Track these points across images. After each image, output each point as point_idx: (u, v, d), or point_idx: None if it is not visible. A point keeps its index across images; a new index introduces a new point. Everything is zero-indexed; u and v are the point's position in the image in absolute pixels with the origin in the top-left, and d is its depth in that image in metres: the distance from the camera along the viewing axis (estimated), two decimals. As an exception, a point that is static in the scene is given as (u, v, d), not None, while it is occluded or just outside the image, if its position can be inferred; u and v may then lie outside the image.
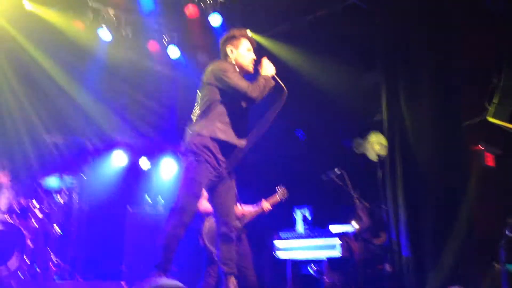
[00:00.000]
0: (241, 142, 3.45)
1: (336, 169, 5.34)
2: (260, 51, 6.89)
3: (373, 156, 5.87)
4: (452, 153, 5.41)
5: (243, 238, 5.02)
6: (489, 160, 5.11)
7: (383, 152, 5.81)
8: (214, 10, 6.60)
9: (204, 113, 3.45)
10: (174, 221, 3.26)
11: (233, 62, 3.59)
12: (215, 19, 6.65)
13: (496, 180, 5.03)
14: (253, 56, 3.61)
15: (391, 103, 5.93)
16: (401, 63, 5.93)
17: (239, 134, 3.45)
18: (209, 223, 4.80)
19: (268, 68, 3.49)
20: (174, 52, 7.13)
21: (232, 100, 3.43)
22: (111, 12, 6.53)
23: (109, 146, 6.71)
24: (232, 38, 3.63)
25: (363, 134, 6.19)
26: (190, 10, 6.62)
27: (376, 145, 5.81)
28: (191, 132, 3.44)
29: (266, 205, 5.17)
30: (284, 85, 3.49)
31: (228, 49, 3.62)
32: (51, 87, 6.38)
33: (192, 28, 6.92)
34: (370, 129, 6.18)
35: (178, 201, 3.31)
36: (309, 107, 6.96)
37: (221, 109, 3.43)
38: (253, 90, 3.34)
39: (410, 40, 5.84)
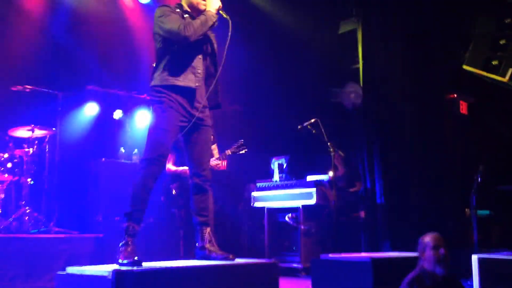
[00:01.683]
0: (198, 83, 3.37)
1: (312, 119, 5.32)
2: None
3: (348, 105, 5.87)
4: (427, 101, 5.43)
5: None
6: (463, 108, 5.16)
7: (358, 100, 5.81)
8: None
9: (157, 64, 3.40)
10: (143, 171, 3.24)
11: (186, 3, 3.48)
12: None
13: (468, 127, 5.10)
14: None
15: (367, 51, 5.87)
16: (376, 10, 5.84)
17: (194, 75, 3.37)
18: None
19: (212, 3, 3.37)
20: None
21: (174, 44, 3.31)
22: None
23: (81, 97, 6.56)
24: None
25: (339, 83, 6.16)
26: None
27: (351, 94, 5.80)
28: (150, 85, 3.41)
29: (216, 163, 5.05)
30: (229, 16, 3.39)
31: None
32: (17, 34, 6.13)
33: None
34: (346, 78, 6.15)
35: (146, 151, 3.29)
36: (285, 56, 6.88)
37: (169, 55, 3.34)
38: (186, 29, 3.23)
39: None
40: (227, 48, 3.36)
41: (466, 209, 4.53)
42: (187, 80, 3.34)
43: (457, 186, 5.11)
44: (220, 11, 3.40)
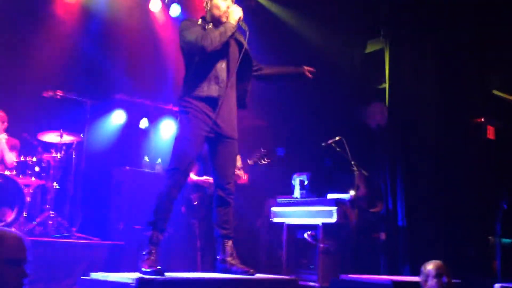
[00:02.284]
0: (221, 92, 3.40)
1: (336, 137, 5.31)
2: (261, 13, 6.84)
3: (373, 125, 5.85)
4: (454, 124, 5.38)
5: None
6: (490, 132, 5.10)
7: (383, 120, 5.79)
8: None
9: (185, 75, 3.48)
10: (167, 181, 3.28)
11: (209, 16, 3.54)
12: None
13: (495, 153, 5.03)
14: (227, 4, 3.48)
15: (394, 71, 5.87)
16: (405, 30, 5.84)
17: (218, 85, 3.40)
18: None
19: (233, 14, 3.41)
20: (175, 10, 7.01)
21: (196, 55, 3.37)
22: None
23: (109, 105, 6.68)
24: None
25: (365, 102, 6.15)
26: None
27: (376, 113, 5.78)
28: (179, 96, 3.49)
29: (239, 173, 4.98)
30: (247, 26, 3.45)
31: (204, 3, 3.59)
32: (50, 41, 6.29)
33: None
34: (372, 97, 6.14)
35: (171, 161, 3.34)
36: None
37: (193, 66, 3.41)
38: (203, 39, 3.28)
39: (415, 7, 5.72)
40: (241, 57, 3.44)
41: (490, 237, 4.44)
42: (210, 90, 3.39)
43: (481, 213, 5.02)
44: (240, 22, 3.44)
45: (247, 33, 3.46)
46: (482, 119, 5.63)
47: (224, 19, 3.46)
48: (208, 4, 3.55)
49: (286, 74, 4.04)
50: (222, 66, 3.45)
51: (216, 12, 3.50)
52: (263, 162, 5.13)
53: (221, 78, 3.43)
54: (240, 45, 3.55)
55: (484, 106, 5.44)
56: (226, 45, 3.42)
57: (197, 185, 5.25)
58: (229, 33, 3.37)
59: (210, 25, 3.47)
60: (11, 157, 5.21)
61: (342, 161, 5.38)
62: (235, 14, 3.41)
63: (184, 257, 5.34)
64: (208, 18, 3.56)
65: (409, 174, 5.53)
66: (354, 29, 6.44)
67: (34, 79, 5.93)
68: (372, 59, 6.36)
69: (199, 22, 3.51)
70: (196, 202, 5.29)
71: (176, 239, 5.54)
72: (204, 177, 5.13)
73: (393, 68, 5.91)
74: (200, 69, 3.40)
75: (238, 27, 3.46)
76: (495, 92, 4.65)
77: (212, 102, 3.39)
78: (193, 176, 5.26)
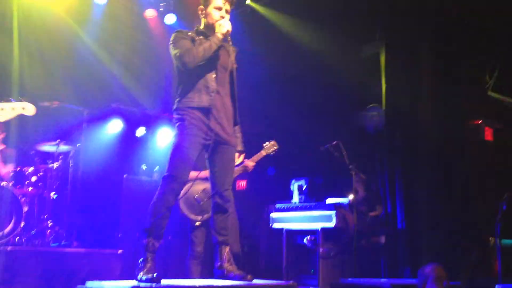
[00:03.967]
0: (213, 102, 3.39)
1: (333, 141, 5.30)
2: (256, 19, 6.85)
3: (371, 128, 5.84)
4: (451, 127, 5.37)
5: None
6: (488, 134, 5.09)
7: (380, 124, 5.78)
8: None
9: (177, 86, 3.48)
10: (164, 188, 3.28)
11: (203, 24, 3.55)
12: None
13: (493, 154, 5.02)
14: (221, 14, 3.48)
15: (390, 75, 5.87)
16: (400, 34, 5.84)
17: (209, 95, 3.39)
18: (185, 190, 4.65)
19: (220, 28, 3.40)
20: (170, 18, 7.03)
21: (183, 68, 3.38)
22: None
23: (105, 114, 6.68)
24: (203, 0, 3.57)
25: (362, 106, 6.15)
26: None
27: (374, 117, 5.78)
28: (172, 108, 3.50)
29: (249, 163, 4.80)
30: (232, 41, 3.46)
31: (199, 11, 3.58)
32: (47, 52, 6.30)
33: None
34: (369, 101, 6.13)
35: (168, 168, 3.33)
36: (307, 78, 6.90)
37: (184, 77, 3.43)
38: (186, 55, 3.30)
39: (410, 11, 5.73)
40: (235, 70, 3.49)
41: (491, 238, 4.42)
42: (201, 100, 3.39)
43: (481, 214, 5.00)
44: (227, 37, 3.42)
45: (235, 49, 3.52)
46: (480, 121, 5.63)
47: (215, 30, 3.45)
48: (203, 12, 3.55)
49: None
50: (212, 76, 3.45)
51: (210, 20, 3.50)
52: (272, 151, 4.94)
53: (212, 88, 3.42)
54: (227, 57, 3.54)
55: (481, 108, 5.44)
56: (215, 56, 3.42)
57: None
58: (214, 47, 3.37)
59: (201, 37, 3.46)
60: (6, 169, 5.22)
61: (339, 164, 5.36)
62: (223, 28, 3.40)
63: (181, 264, 5.30)
64: (202, 25, 3.57)
65: (407, 177, 5.52)
66: (349, 33, 6.44)
67: (31, 88, 5.92)
68: (368, 63, 6.36)
69: (190, 33, 3.51)
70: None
71: (173, 246, 5.52)
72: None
73: (389, 71, 5.91)
74: (190, 80, 3.41)
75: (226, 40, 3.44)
76: (491, 93, 4.64)
77: (207, 111, 3.39)
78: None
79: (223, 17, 3.48)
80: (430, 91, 5.57)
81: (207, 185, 4.47)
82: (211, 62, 3.42)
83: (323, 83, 6.79)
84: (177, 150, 3.35)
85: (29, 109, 3.01)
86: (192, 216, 4.53)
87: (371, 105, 6.10)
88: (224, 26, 3.40)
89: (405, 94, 5.72)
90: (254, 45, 6.61)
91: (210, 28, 3.49)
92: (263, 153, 4.90)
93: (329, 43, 6.47)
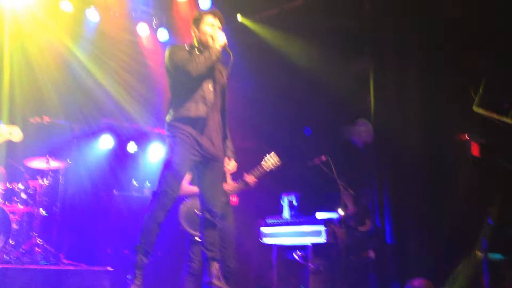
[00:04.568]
0: (209, 113, 3.47)
1: (322, 156, 5.34)
2: (248, 35, 6.93)
3: (359, 143, 5.89)
4: (438, 142, 5.44)
5: (228, 215, 4.75)
6: (474, 149, 5.15)
7: (369, 138, 5.84)
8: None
9: (171, 98, 3.56)
10: (154, 204, 3.30)
11: (196, 41, 3.65)
12: (205, 2, 6.62)
13: (480, 169, 5.07)
14: (214, 30, 3.58)
15: (378, 90, 5.93)
16: (389, 49, 5.93)
17: (205, 105, 3.47)
18: (186, 206, 4.67)
19: (218, 40, 3.51)
20: (162, 34, 7.09)
21: (184, 78, 3.45)
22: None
23: (96, 130, 6.69)
24: (194, 20, 3.68)
25: (351, 121, 6.21)
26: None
27: (362, 131, 5.84)
28: (165, 120, 3.55)
29: (250, 178, 4.81)
30: (231, 52, 3.55)
31: (192, 31, 3.69)
32: (38, 68, 6.32)
33: (182, 11, 6.87)
34: (357, 116, 6.19)
35: (158, 184, 3.36)
36: (297, 93, 6.95)
37: (180, 90, 3.50)
38: (189, 63, 3.39)
39: (399, 26, 5.83)
40: (226, 79, 3.60)
41: (477, 252, 4.46)
42: (198, 110, 3.46)
43: (468, 228, 5.05)
44: (225, 47, 3.53)
45: (232, 57, 3.54)
46: (467, 136, 5.69)
47: (210, 44, 3.54)
48: (196, 32, 3.64)
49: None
50: (209, 87, 3.53)
51: (203, 38, 3.60)
52: (275, 166, 4.92)
53: (208, 99, 3.50)
54: (218, 73, 3.63)
55: (468, 124, 5.51)
56: (212, 68, 3.51)
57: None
58: (214, 57, 3.46)
59: (195, 51, 3.55)
60: None
61: (329, 180, 5.40)
62: (220, 39, 3.50)
63: (172, 281, 5.29)
64: (195, 43, 3.65)
65: (396, 192, 5.55)
66: (339, 48, 6.52)
67: (21, 104, 5.93)
68: (357, 78, 6.43)
69: (186, 47, 3.59)
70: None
71: (164, 262, 5.50)
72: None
73: (378, 86, 5.98)
74: (188, 91, 3.47)
75: (223, 51, 3.54)
76: (476, 109, 4.71)
77: (200, 122, 3.44)
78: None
79: (215, 33, 3.57)
80: (418, 107, 5.63)
81: None
82: (208, 74, 3.51)
83: (312, 98, 6.85)
84: (168, 166, 3.38)
85: (16, 135, 3.02)
86: (192, 232, 4.53)
87: (359, 119, 6.16)
88: (220, 37, 3.51)
89: (393, 109, 5.77)
90: (244, 60, 6.68)
91: (204, 45, 3.58)
92: (264, 168, 4.88)
93: (318, 58, 6.54)
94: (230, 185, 4.88)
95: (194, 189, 4.88)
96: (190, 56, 3.45)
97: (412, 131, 5.61)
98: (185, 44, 3.66)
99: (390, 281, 5.33)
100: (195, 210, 4.55)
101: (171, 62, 3.48)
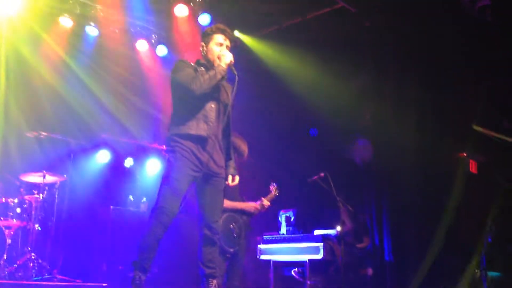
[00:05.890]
0: (210, 132, 3.45)
1: (321, 173, 5.33)
2: (248, 52, 6.96)
3: (358, 160, 5.89)
4: (437, 159, 5.44)
5: (243, 237, 4.89)
6: (472, 167, 5.15)
7: (368, 155, 5.83)
8: (204, 11, 6.61)
9: (173, 113, 3.55)
10: (153, 220, 3.26)
11: (204, 59, 3.64)
12: (204, 19, 6.65)
13: (478, 187, 5.07)
14: (222, 49, 3.57)
15: (378, 107, 5.95)
16: (389, 67, 5.96)
17: (207, 124, 3.46)
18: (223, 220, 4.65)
19: (224, 59, 3.50)
20: (161, 50, 7.11)
21: (187, 95, 3.43)
22: (98, 8, 6.49)
23: (93, 144, 6.65)
24: (204, 35, 3.68)
25: (350, 138, 6.21)
26: (180, 9, 6.60)
27: (361, 148, 5.84)
28: (166, 134, 3.53)
29: (266, 202, 5.11)
30: (236, 71, 3.53)
31: (201, 46, 3.68)
32: (35, 82, 6.31)
33: (181, 28, 6.89)
34: (357, 133, 6.20)
35: (157, 201, 3.32)
36: (296, 109, 6.97)
37: (184, 106, 3.48)
38: (193, 82, 3.37)
39: (399, 44, 5.87)
40: (233, 99, 3.56)
41: (476, 270, 4.43)
42: (199, 129, 3.43)
43: (467, 246, 5.03)
44: (231, 67, 3.52)
45: (237, 78, 3.53)
46: (465, 154, 5.70)
47: (217, 62, 3.53)
48: (204, 48, 3.64)
49: None
50: (211, 106, 3.51)
51: (210, 56, 3.59)
52: (277, 194, 5.21)
53: (210, 118, 3.48)
54: (224, 91, 3.61)
55: (466, 141, 5.52)
56: (216, 87, 3.49)
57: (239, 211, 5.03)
58: (219, 76, 3.44)
59: (202, 68, 3.54)
60: None
61: (327, 196, 5.38)
62: (226, 58, 3.49)
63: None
64: (202, 61, 3.65)
65: (394, 209, 5.54)
66: (337, 65, 6.55)
67: (17, 119, 5.90)
68: (355, 95, 6.45)
69: (193, 64, 3.59)
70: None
71: (160, 279, 5.43)
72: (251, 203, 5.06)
73: (377, 104, 5.99)
74: (190, 108, 3.46)
75: (229, 71, 3.52)
76: (475, 127, 4.73)
77: (201, 141, 3.42)
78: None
79: (223, 53, 3.54)
80: (417, 123, 5.65)
81: (241, 218, 4.72)
82: (212, 93, 3.49)
83: (311, 115, 6.85)
84: (167, 181, 3.35)
85: None
86: (226, 248, 4.52)
87: (358, 136, 6.16)
88: (227, 56, 3.50)
89: (392, 126, 5.79)
90: (240, 75, 6.69)
91: (210, 63, 3.57)
92: (274, 193, 5.22)
93: (316, 75, 6.57)
94: (251, 206, 5.03)
95: (237, 204, 4.95)
96: (195, 74, 3.44)
97: (410, 148, 5.61)
98: (194, 61, 3.65)
99: (389, 299, 5.28)
100: (230, 226, 4.63)
101: (175, 79, 3.47)
